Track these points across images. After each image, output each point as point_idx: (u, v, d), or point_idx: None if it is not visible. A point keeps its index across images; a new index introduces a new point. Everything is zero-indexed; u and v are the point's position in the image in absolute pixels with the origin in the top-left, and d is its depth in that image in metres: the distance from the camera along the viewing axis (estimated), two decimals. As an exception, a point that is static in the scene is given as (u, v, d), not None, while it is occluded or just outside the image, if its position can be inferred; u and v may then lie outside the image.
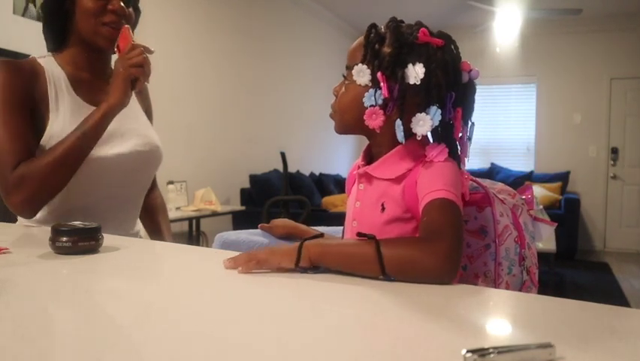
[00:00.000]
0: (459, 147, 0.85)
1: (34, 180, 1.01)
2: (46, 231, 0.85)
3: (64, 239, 0.81)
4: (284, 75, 5.22)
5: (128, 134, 1.18)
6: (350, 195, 0.94)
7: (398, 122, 0.80)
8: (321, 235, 0.74)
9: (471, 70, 0.85)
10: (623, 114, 6.04)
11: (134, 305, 0.58)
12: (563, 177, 5.96)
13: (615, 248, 6.05)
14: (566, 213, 5.18)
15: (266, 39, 4.89)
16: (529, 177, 6.03)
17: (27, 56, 1.16)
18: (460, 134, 0.85)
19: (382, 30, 0.84)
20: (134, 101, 1.26)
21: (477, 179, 0.92)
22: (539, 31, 6.01)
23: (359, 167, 0.90)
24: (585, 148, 6.17)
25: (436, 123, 0.80)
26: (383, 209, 0.83)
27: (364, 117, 0.82)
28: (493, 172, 6.26)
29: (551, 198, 5.49)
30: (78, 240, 0.81)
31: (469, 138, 0.86)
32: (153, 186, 1.41)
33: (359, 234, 0.72)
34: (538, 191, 5.49)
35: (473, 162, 6.53)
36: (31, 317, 0.53)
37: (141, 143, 1.19)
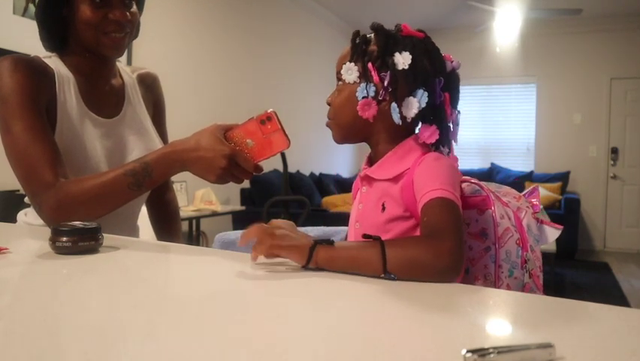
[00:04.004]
0: (450, 131, 0.91)
1: (78, 207, 0.97)
2: (46, 231, 0.85)
3: (64, 239, 0.81)
4: (284, 75, 5.22)
5: (129, 149, 1.16)
6: (355, 200, 0.96)
7: (393, 105, 0.84)
8: (332, 242, 0.74)
9: (453, 61, 0.90)
10: (623, 114, 6.04)
11: (135, 305, 0.58)
12: (563, 177, 5.96)
13: (615, 248, 6.05)
14: (566, 213, 5.17)
15: (267, 38, 4.90)
16: (529, 177, 6.03)
17: (26, 56, 1.10)
18: (450, 120, 0.90)
19: (367, 35, 0.89)
20: (141, 110, 1.23)
21: (480, 182, 0.93)
22: (539, 31, 6.01)
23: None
24: (585, 148, 6.17)
25: (423, 105, 0.83)
26: (384, 209, 0.86)
27: (357, 110, 0.85)
28: (493, 172, 6.25)
29: (551, 198, 5.49)
30: (78, 240, 0.81)
31: (457, 124, 0.92)
32: (167, 187, 1.39)
33: (364, 235, 0.74)
34: (538, 191, 5.48)
35: (473, 162, 6.53)
36: (31, 317, 0.53)
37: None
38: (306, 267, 0.72)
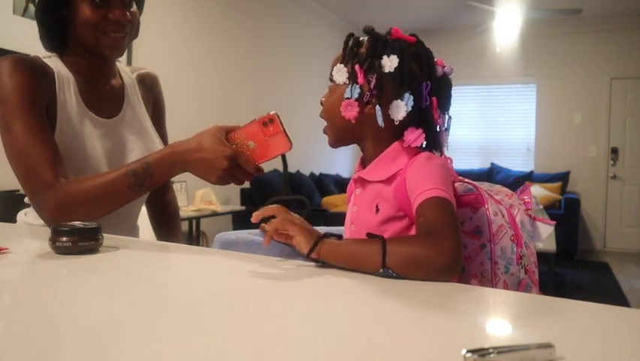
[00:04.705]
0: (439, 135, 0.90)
1: (79, 207, 0.97)
2: (46, 231, 0.85)
3: (64, 239, 0.81)
4: (284, 75, 5.22)
5: (129, 149, 1.16)
6: (349, 202, 0.97)
7: (377, 107, 0.85)
8: (340, 237, 0.76)
9: (445, 66, 0.90)
10: (623, 114, 6.04)
11: (135, 305, 0.58)
12: (563, 177, 5.95)
13: (615, 248, 6.05)
14: (566, 213, 5.17)
15: (267, 38, 4.90)
16: (529, 177, 6.03)
17: (26, 56, 1.10)
18: (439, 124, 0.90)
19: (360, 38, 0.90)
20: (140, 110, 1.23)
21: (471, 181, 0.93)
22: (539, 31, 6.01)
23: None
24: (585, 148, 6.17)
25: (409, 109, 0.83)
26: (377, 210, 0.86)
27: (341, 110, 0.86)
28: (493, 172, 6.25)
29: (551, 198, 5.49)
30: (78, 240, 0.81)
31: (447, 129, 0.91)
32: (167, 187, 1.39)
33: (368, 235, 0.75)
34: (539, 191, 5.49)
35: (473, 162, 6.53)
36: (31, 317, 0.53)
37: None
38: (308, 256, 0.73)
